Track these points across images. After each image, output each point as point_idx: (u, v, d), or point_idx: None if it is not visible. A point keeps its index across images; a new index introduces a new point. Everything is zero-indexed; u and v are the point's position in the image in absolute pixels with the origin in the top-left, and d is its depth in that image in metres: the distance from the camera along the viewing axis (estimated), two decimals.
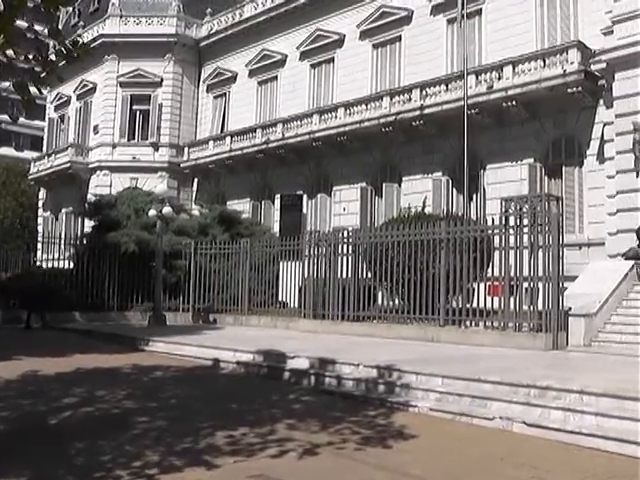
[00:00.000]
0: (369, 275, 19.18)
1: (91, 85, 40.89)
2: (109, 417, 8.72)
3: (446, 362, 11.83)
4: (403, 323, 17.54)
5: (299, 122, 31.59)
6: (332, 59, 32.57)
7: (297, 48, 33.86)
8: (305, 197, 32.02)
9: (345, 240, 19.61)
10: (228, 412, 9.19)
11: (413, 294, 17.16)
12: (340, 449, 7.19)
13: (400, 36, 29.63)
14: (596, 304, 15.56)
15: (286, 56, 34.62)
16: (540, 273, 14.80)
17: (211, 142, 36.90)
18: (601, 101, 21.98)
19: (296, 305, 20.81)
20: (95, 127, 39.98)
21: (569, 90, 22.39)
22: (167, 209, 21.97)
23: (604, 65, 20.91)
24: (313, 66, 33.53)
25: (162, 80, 38.81)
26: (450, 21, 26.94)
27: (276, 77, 35.51)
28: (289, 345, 14.32)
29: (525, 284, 15.27)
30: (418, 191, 26.26)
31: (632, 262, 17.79)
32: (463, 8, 24.00)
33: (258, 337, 17.02)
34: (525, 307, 15.19)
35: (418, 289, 17.02)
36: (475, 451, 7.65)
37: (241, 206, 33.53)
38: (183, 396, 10.35)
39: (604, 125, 21.47)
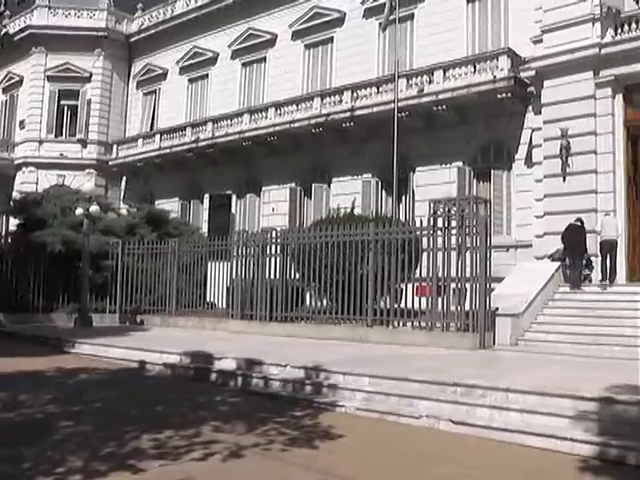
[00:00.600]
0: (297, 276, 19.13)
1: (17, 78, 39.76)
2: (32, 422, 8.42)
3: (374, 362, 11.84)
4: (331, 323, 17.56)
5: (229, 121, 31.28)
6: (264, 58, 32.38)
7: (229, 46, 33.56)
8: (234, 197, 31.72)
9: (274, 241, 19.52)
10: (154, 415, 9.04)
11: (341, 295, 17.20)
12: (266, 450, 7.14)
13: (332, 37, 29.65)
14: (523, 304, 15.86)
15: (217, 54, 34.28)
16: (468, 274, 14.99)
17: (140, 140, 36.24)
18: (530, 107, 22.31)
19: (224, 306, 20.58)
20: (21, 122, 38.85)
21: (499, 96, 22.67)
22: (94, 208, 21.46)
23: (533, 72, 21.29)
24: (244, 65, 33.28)
25: (91, 75, 37.96)
26: (381, 24, 26.96)
27: (207, 75, 35.13)
28: (217, 346, 14.18)
29: (453, 285, 15.43)
30: (347, 192, 26.30)
31: (558, 264, 18.21)
32: (392, 13, 24.14)
33: (186, 338, 16.85)
34: (453, 307, 15.35)
35: (346, 290, 17.07)
36: (402, 449, 7.66)
37: (170, 205, 33.05)
38: (109, 399, 10.11)
39: (532, 130, 21.82)
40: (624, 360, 12.42)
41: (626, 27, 19.58)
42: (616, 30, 19.77)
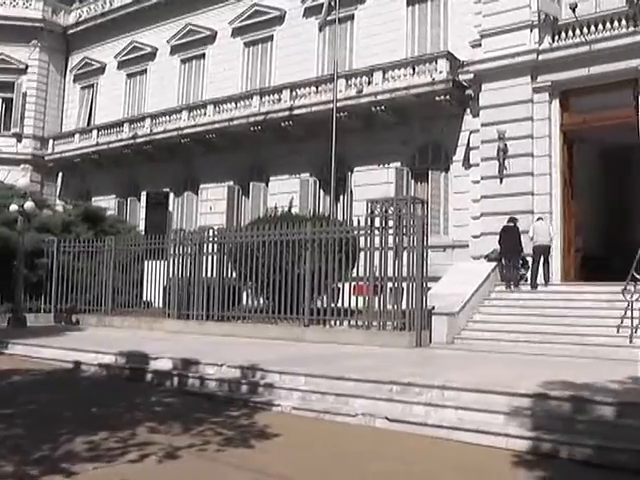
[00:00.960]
0: (234, 275, 19.01)
1: None
2: None
3: (310, 361, 11.83)
4: (268, 323, 17.47)
5: (167, 118, 30.87)
6: (203, 55, 32.03)
7: (168, 42, 33.10)
8: (172, 195, 31.32)
9: (211, 239, 19.36)
10: (88, 416, 8.92)
11: (278, 294, 17.15)
12: (202, 451, 7.12)
13: (272, 36, 29.48)
14: (459, 303, 16.08)
15: (156, 49, 33.78)
16: (405, 273, 15.10)
17: (77, 135, 35.48)
18: (468, 110, 22.52)
19: (161, 305, 20.31)
20: None
21: (437, 98, 22.81)
22: (29, 204, 20.91)
23: (472, 76, 21.57)
24: (184, 61, 32.87)
25: (27, 67, 36.85)
26: (320, 24, 27.02)
27: (145, 70, 34.57)
28: (153, 346, 14.05)
29: (390, 284, 15.52)
30: (285, 191, 26.23)
31: (494, 263, 18.48)
32: (331, 13, 24.19)
33: (121, 338, 16.61)
34: (390, 306, 15.44)
35: (283, 289, 17.03)
36: (338, 447, 7.67)
37: (107, 203, 32.52)
38: (42, 401, 9.91)
39: (470, 133, 22.05)
40: (559, 357, 12.75)
41: (563, 34, 20.04)
42: (553, 37, 20.21)
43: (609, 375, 9.60)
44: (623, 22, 19.12)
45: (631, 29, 18.86)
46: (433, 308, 15.44)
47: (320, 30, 25.82)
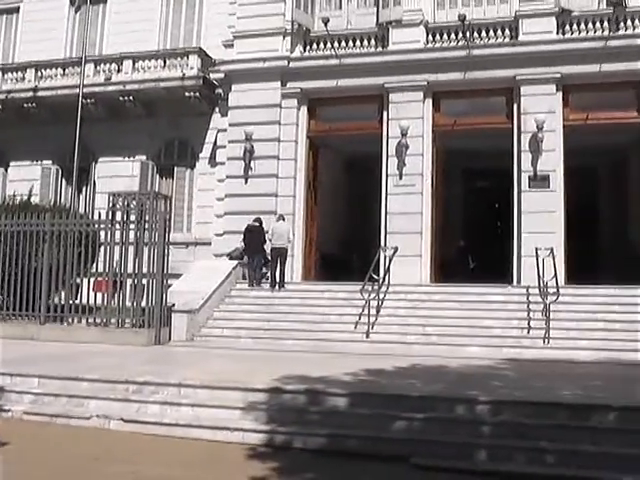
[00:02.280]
0: None
1: None
2: None
3: (45, 361, 11.47)
4: (1, 320, 16.49)
5: None
6: None
7: None
8: None
9: None
10: None
11: (13, 289, 16.28)
12: None
13: (18, 7, 27.54)
14: (199, 301, 16.24)
15: None
16: (145, 270, 15.01)
17: None
18: (217, 108, 22.68)
19: None
20: None
21: (187, 94, 22.83)
22: None
23: (223, 75, 21.72)
24: None
25: None
26: (73, 2, 25.96)
27: None
28: None
29: (130, 280, 15.33)
30: (26, 178, 24.71)
31: (236, 262, 18.82)
32: None
33: None
34: (129, 303, 15.25)
35: (19, 284, 16.19)
36: (70, 452, 7.54)
37: None
38: None
39: (218, 131, 22.21)
40: (298, 353, 13.36)
41: (314, 45, 20.92)
42: (305, 47, 21.03)
43: (344, 368, 10.22)
44: (372, 41, 20.38)
45: (379, 49, 20.17)
46: (173, 305, 15.52)
47: (77, 11, 24.67)
